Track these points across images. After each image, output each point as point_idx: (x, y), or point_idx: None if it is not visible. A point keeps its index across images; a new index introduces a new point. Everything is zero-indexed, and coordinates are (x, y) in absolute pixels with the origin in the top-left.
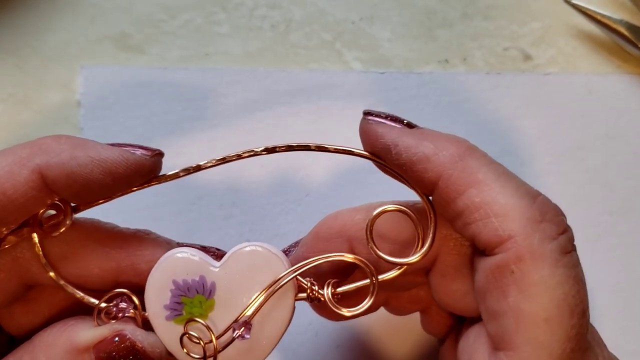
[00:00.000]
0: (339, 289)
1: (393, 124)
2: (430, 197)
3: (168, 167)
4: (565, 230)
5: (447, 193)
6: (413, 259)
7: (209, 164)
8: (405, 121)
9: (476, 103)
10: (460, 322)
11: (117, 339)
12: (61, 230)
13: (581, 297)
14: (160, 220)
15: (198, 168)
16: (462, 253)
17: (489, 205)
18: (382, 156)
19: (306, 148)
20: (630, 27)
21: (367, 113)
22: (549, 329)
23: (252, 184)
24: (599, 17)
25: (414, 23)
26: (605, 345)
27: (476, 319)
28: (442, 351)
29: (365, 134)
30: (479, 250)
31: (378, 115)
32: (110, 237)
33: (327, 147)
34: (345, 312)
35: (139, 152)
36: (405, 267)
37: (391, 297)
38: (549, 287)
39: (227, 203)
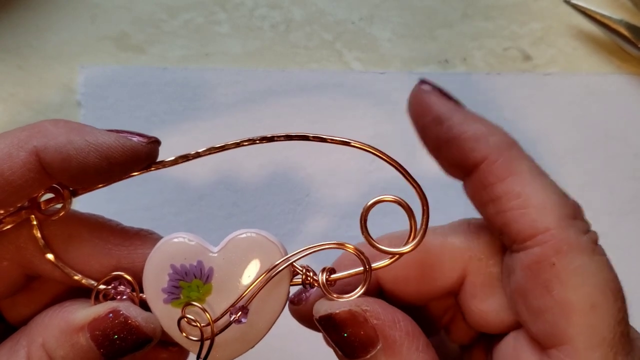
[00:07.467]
0: (333, 276)
1: (447, 97)
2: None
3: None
4: (590, 228)
5: (487, 177)
6: (406, 248)
7: (207, 152)
8: (456, 100)
9: (476, 103)
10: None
11: (111, 315)
12: (60, 215)
13: (619, 282)
14: (160, 220)
15: (197, 155)
16: (489, 273)
17: (529, 196)
18: (430, 127)
19: (304, 138)
20: (630, 27)
21: (423, 82)
22: (598, 315)
23: (252, 184)
24: (599, 17)
25: (414, 23)
26: None
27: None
28: (468, 357)
29: (418, 102)
30: (506, 243)
31: (434, 86)
32: (113, 233)
33: (325, 138)
34: (336, 297)
35: (136, 138)
36: (397, 256)
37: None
38: (591, 275)
39: (227, 203)
